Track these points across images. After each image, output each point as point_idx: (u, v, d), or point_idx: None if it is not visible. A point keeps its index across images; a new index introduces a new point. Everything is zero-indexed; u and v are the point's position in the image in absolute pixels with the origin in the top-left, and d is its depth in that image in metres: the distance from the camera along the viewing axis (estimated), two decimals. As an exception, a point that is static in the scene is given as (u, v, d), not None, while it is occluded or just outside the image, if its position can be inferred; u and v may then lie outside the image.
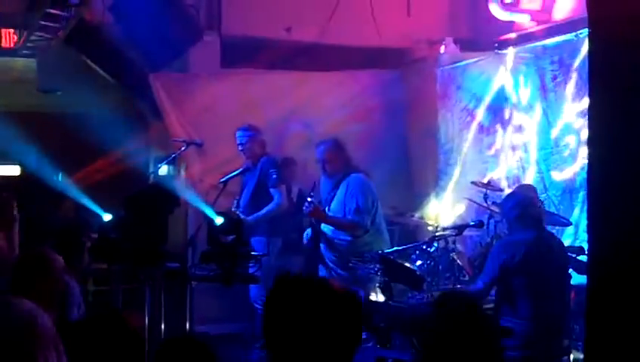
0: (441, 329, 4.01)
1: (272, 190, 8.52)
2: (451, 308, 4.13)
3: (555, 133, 8.69)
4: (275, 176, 8.51)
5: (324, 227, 7.68)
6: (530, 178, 8.90)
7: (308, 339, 2.72)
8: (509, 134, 9.34)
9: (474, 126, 9.86)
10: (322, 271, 7.69)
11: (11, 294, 4.62)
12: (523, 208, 6.46)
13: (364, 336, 7.28)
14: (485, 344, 3.94)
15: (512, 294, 6.32)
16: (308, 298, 2.76)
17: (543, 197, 8.29)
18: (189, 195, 7.74)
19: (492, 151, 9.57)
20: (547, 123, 8.80)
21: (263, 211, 8.46)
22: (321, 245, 7.72)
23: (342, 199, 7.63)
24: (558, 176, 8.61)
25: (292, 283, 2.83)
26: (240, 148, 8.67)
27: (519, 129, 9.17)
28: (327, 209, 7.72)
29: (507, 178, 9.26)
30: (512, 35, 9.51)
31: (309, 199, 7.66)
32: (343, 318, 2.77)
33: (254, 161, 8.67)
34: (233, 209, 8.45)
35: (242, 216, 8.12)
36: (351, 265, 7.49)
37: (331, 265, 7.65)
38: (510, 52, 9.27)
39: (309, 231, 7.92)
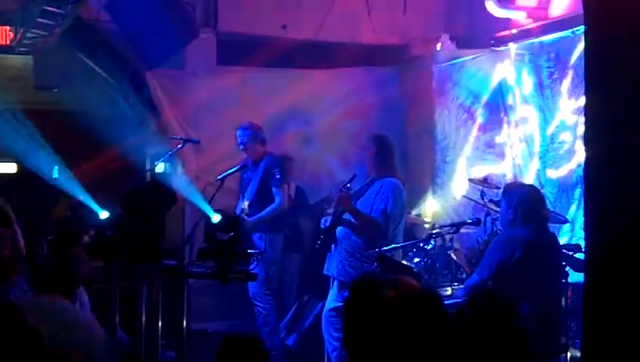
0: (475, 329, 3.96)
1: (274, 190, 8.52)
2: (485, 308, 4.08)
3: (550, 130, 8.70)
4: (278, 176, 8.50)
5: (348, 216, 7.55)
6: (531, 174, 8.90)
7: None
8: (507, 131, 9.35)
9: (470, 123, 9.87)
10: (331, 262, 7.60)
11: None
12: (534, 205, 6.43)
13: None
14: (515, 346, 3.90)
15: (507, 291, 6.31)
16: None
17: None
18: (186, 192, 7.74)
19: (490, 148, 9.58)
20: (543, 120, 8.81)
21: (264, 212, 8.47)
22: (340, 230, 7.55)
23: (371, 198, 7.41)
24: (554, 173, 8.62)
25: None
26: (241, 147, 8.66)
27: (517, 125, 9.18)
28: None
29: (503, 175, 9.27)
30: (509, 32, 9.51)
31: (348, 185, 7.40)
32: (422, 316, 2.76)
33: (255, 159, 8.66)
34: (239, 213, 8.44)
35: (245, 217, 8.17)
36: (350, 262, 7.47)
37: (344, 253, 7.50)
38: (512, 47, 9.28)
39: (326, 218, 7.75)
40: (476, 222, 7.68)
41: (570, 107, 8.42)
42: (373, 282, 2.84)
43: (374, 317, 2.73)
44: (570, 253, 6.85)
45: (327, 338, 7.62)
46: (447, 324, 2.85)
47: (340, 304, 7.49)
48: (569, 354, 6.57)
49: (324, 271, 7.63)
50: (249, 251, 6.67)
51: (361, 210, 7.41)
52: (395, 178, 7.51)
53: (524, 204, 6.41)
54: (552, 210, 8.03)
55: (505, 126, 9.39)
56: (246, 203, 8.46)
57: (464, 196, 9.39)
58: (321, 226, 7.67)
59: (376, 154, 7.50)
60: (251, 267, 6.45)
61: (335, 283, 7.55)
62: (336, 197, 7.45)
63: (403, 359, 2.73)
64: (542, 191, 8.21)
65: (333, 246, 7.54)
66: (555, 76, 8.68)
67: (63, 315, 4.59)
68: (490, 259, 6.36)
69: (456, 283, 7.24)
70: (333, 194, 7.59)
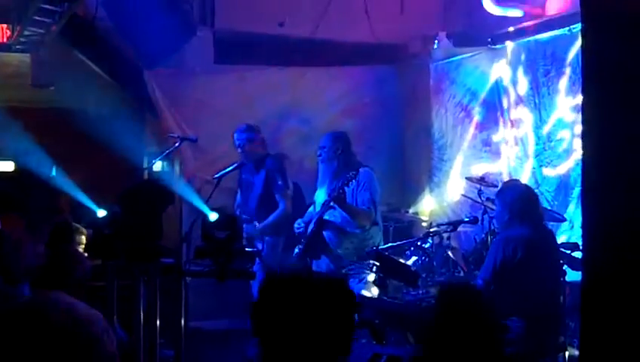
0: (442, 321, 4.03)
1: (276, 196, 8.48)
2: (453, 300, 4.15)
3: (547, 128, 8.71)
4: (280, 182, 8.46)
5: (330, 216, 7.64)
6: (526, 173, 8.91)
7: (301, 335, 2.71)
8: (504, 129, 9.35)
9: (467, 121, 9.87)
10: (324, 261, 7.66)
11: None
12: (528, 204, 6.46)
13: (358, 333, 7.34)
14: (486, 336, 3.95)
15: (507, 290, 6.33)
16: (299, 294, 2.75)
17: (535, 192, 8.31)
18: (183, 191, 7.72)
19: (487, 147, 9.59)
20: (539, 118, 8.82)
21: (269, 220, 8.42)
22: (326, 233, 7.66)
23: (352, 191, 7.58)
24: (551, 171, 8.62)
25: (282, 280, 2.82)
26: (239, 150, 8.58)
27: (513, 124, 9.19)
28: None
29: (500, 173, 9.27)
30: (506, 30, 9.51)
31: (348, 184, 7.54)
32: (334, 310, 2.76)
33: (256, 161, 8.60)
34: (238, 212, 8.44)
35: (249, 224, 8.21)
36: (341, 260, 7.53)
37: (335, 251, 7.61)
38: (509, 45, 9.29)
39: (300, 221, 7.88)
40: (474, 221, 7.70)
41: (568, 105, 8.42)
42: (285, 279, 2.84)
43: (286, 314, 2.74)
44: (568, 252, 6.86)
45: None
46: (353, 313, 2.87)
47: None
48: (567, 353, 6.57)
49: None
50: (246, 250, 6.67)
51: (352, 204, 7.58)
52: (363, 167, 7.71)
53: (517, 204, 6.44)
54: (549, 208, 8.04)
55: (501, 124, 9.40)
56: (258, 231, 8.42)
57: (462, 194, 9.40)
58: (296, 231, 7.77)
59: (343, 150, 7.75)
60: (251, 266, 6.45)
61: None
62: (331, 199, 7.52)
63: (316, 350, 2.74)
64: (537, 189, 8.26)
65: (319, 247, 7.63)
66: (551, 74, 8.69)
67: (72, 311, 4.62)
68: (492, 260, 6.36)
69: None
70: (327, 198, 7.65)
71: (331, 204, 7.55)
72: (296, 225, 7.93)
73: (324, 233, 7.66)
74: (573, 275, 6.69)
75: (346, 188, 7.50)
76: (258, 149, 8.59)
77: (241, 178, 8.76)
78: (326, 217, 7.67)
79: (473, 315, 4.00)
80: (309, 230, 7.73)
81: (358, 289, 7.36)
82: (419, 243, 7.59)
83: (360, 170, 7.59)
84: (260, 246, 8.29)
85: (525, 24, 9.30)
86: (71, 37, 9.60)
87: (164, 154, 8.74)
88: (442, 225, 7.86)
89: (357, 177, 7.52)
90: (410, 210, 9.82)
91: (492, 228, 7.83)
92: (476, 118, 9.77)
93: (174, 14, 9.04)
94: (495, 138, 9.50)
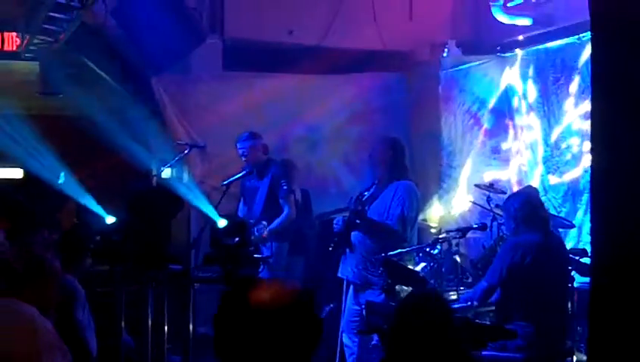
0: (399, 325, 4.15)
1: (281, 201, 8.50)
2: (411, 307, 4.28)
3: (555, 135, 8.71)
4: (285, 187, 8.47)
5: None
6: (536, 179, 8.91)
7: (262, 345, 2.66)
8: (513, 137, 9.35)
9: (476, 128, 9.87)
10: (345, 265, 7.54)
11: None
12: (531, 208, 6.46)
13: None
14: (440, 338, 4.08)
15: (516, 295, 6.32)
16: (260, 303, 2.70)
17: (543, 199, 8.30)
18: (193, 198, 7.74)
19: (496, 154, 9.59)
20: (548, 125, 8.82)
21: (275, 225, 8.43)
22: (354, 235, 7.51)
23: (387, 203, 7.38)
24: (560, 178, 8.62)
25: (243, 288, 2.76)
26: (243, 158, 8.61)
27: (523, 131, 9.19)
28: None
29: (509, 180, 9.27)
30: (515, 39, 9.52)
31: (366, 193, 7.37)
32: (296, 320, 2.72)
33: (260, 168, 8.62)
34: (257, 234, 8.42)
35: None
36: (366, 266, 7.44)
37: (359, 257, 7.45)
38: (518, 54, 9.30)
39: (339, 219, 7.71)
40: (482, 227, 7.68)
41: (577, 113, 8.42)
42: (245, 288, 2.79)
43: (245, 323, 2.68)
44: (577, 258, 6.86)
45: (346, 341, 7.59)
46: (319, 327, 2.81)
47: (358, 308, 7.44)
48: (575, 358, 6.57)
49: (339, 274, 7.60)
50: (254, 256, 6.68)
51: (376, 220, 7.38)
52: (408, 180, 7.50)
53: (521, 210, 6.45)
54: (556, 214, 8.04)
55: (510, 132, 9.40)
56: (265, 233, 8.39)
57: (471, 201, 9.39)
58: (334, 228, 7.60)
59: (392, 157, 7.47)
60: (259, 271, 6.46)
61: (351, 286, 7.54)
62: (352, 210, 7.41)
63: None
64: (545, 196, 8.26)
65: (347, 249, 7.50)
66: (560, 82, 8.69)
67: None
68: (499, 264, 6.37)
69: (462, 288, 7.24)
70: (349, 204, 7.54)
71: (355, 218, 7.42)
72: (335, 223, 7.76)
73: (353, 234, 7.51)
74: (581, 280, 6.70)
75: (374, 195, 7.38)
76: (261, 156, 8.63)
77: (245, 185, 8.77)
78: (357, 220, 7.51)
79: (427, 320, 4.12)
80: (338, 229, 7.57)
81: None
82: (427, 250, 7.55)
83: (399, 183, 7.42)
84: (265, 251, 8.29)
85: (534, 33, 9.30)
86: (79, 45, 9.62)
87: (173, 161, 8.76)
88: (451, 231, 7.83)
89: (392, 188, 7.37)
90: (419, 217, 9.80)
91: (501, 234, 7.84)
92: (485, 125, 9.77)
93: (183, 23, 9.05)
94: (504, 145, 9.49)
